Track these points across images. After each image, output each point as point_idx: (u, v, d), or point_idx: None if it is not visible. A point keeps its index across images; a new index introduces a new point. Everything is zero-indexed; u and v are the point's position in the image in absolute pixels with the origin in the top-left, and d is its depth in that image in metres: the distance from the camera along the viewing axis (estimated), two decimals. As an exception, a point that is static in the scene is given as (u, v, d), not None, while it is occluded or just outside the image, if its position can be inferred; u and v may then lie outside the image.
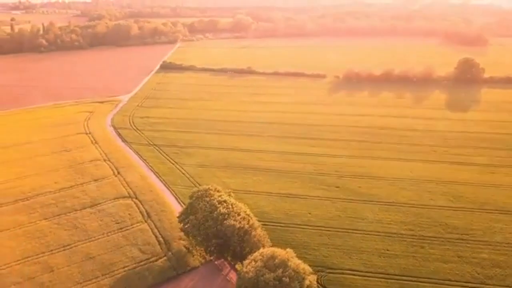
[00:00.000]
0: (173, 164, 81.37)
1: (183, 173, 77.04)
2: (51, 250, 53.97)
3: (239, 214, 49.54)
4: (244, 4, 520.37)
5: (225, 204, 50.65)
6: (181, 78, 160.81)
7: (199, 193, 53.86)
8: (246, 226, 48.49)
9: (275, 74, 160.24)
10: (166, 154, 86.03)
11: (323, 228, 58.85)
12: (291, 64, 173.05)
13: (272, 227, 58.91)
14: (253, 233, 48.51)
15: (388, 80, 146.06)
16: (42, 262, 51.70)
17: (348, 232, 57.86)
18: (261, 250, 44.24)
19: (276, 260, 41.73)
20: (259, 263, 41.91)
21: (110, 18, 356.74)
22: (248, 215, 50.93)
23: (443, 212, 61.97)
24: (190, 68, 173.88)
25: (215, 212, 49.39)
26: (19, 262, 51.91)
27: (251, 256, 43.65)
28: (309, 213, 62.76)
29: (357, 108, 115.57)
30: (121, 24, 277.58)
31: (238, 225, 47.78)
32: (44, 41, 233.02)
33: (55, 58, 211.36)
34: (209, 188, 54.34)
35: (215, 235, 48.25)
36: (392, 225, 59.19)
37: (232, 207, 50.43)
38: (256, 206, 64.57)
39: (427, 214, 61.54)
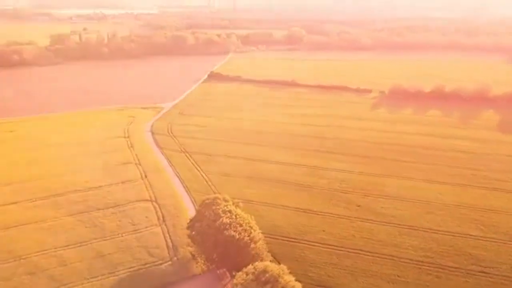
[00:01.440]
0: (199, 171, 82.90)
1: (206, 181, 78.24)
2: (68, 245, 56.93)
3: (241, 225, 49.24)
4: (300, 17, 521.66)
5: (229, 214, 50.60)
6: (225, 88, 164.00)
7: (208, 201, 54.27)
8: (246, 238, 48.02)
9: (319, 87, 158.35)
10: (195, 161, 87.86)
11: (334, 247, 56.75)
12: (338, 78, 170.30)
13: (281, 241, 58.01)
14: (252, 245, 47.93)
15: (437, 97, 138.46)
16: (57, 256, 54.68)
17: (359, 253, 55.27)
18: (256, 263, 43.57)
19: (267, 275, 40.88)
20: (250, 276, 41.36)
21: (171, 29, 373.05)
22: (251, 227, 50.39)
23: (470, 241, 57.26)
24: (236, 79, 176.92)
25: (218, 222, 49.52)
26: (38, 254, 55.29)
27: (245, 268, 43.16)
28: (323, 231, 60.85)
29: (397, 125, 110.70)
30: (177, 35, 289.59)
31: (237, 236, 47.51)
32: (106, 50, 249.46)
33: (114, 66, 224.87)
34: (217, 197, 54.64)
35: (215, 244, 48.40)
36: (409, 250, 55.67)
37: (236, 218, 50.23)
38: (270, 219, 63.91)
39: (451, 242, 57.17)
